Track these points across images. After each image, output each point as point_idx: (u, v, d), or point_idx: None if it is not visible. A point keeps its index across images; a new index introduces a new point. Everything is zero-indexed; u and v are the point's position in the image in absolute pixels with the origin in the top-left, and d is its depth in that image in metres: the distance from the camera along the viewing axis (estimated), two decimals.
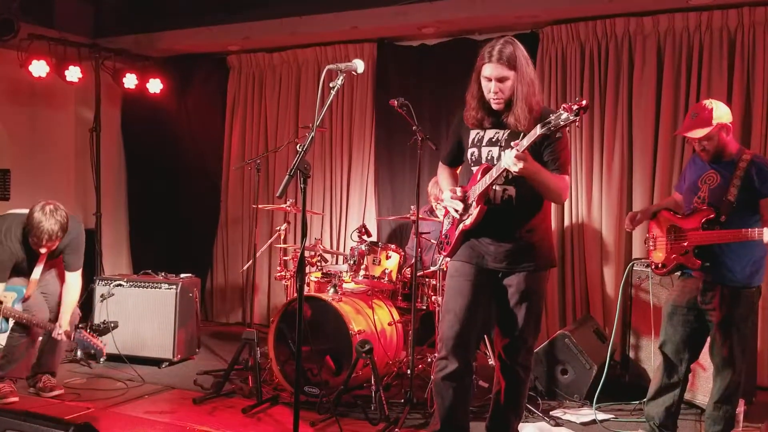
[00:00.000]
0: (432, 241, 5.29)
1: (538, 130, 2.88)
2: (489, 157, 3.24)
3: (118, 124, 7.61)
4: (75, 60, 6.32)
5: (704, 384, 4.34)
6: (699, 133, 3.48)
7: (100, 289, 5.49)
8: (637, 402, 4.39)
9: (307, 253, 5.15)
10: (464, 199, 3.25)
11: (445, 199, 3.33)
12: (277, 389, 4.65)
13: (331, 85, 2.90)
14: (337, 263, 6.15)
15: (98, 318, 5.40)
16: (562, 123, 2.80)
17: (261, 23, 6.32)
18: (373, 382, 4.26)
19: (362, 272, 4.75)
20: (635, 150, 5.49)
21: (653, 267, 3.76)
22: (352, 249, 4.87)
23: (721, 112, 3.50)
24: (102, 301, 5.42)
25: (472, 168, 3.31)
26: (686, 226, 3.55)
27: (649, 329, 4.65)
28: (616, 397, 4.55)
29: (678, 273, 3.68)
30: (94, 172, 6.67)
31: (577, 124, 2.81)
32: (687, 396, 4.46)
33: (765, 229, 3.21)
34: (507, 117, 3.19)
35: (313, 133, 2.89)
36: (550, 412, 4.33)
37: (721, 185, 3.49)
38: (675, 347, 3.64)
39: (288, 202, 5.23)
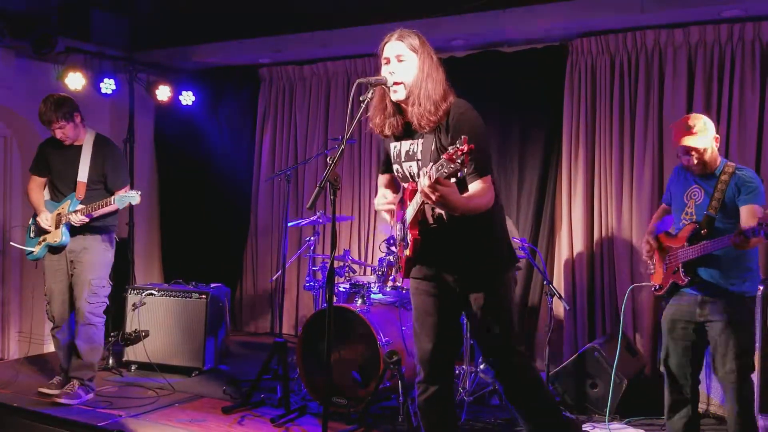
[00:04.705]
0: None
1: (443, 166, 2.46)
2: (411, 173, 3.00)
3: (152, 135, 7.74)
4: (110, 73, 6.46)
5: None
6: (703, 143, 3.42)
7: (132, 298, 5.57)
8: None
9: (335, 264, 5.17)
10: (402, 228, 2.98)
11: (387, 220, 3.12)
12: (305, 399, 4.68)
13: (361, 98, 2.90)
14: (365, 274, 6.18)
15: (130, 327, 5.49)
16: (446, 172, 2.44)
17: (292, 36, 6.40)
18: (400, 393, 4.27)
19: (390, 283, 4.77)
20: (666, 164, 5.42)
21: (653, 289, 3.75)
22: (380, 260, 4.89)
23: (712, 125, 3.48)
24: (134, 310, 5.50)
25: (404, 185, 3.08)
26: (675, 245, 3.57)
27: None
28: (647, 412, 4.51)
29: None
30: None
31: (464, 170, 2.45)
32: (719, 412, 4.41)
33: (733, 234, 3.17)
34: (410, 117, 2.92)
35: (343, 146, 2.90)
36: None
37: (705, 200, 3.50)
38: (678, 361, 3.61)
39: (317, 214, 5.27)
